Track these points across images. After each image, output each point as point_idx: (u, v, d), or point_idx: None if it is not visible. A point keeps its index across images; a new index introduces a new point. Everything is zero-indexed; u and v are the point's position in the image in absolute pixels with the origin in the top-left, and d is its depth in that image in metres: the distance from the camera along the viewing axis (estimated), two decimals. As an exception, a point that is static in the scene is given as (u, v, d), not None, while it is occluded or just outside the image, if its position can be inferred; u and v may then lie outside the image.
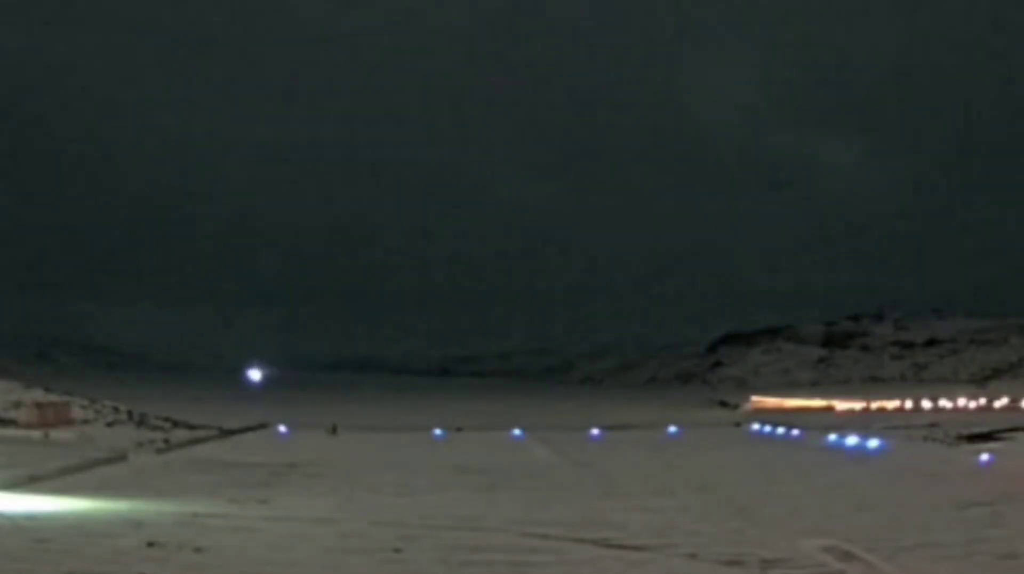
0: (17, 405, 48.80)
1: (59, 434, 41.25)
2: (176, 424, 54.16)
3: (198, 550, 15.90)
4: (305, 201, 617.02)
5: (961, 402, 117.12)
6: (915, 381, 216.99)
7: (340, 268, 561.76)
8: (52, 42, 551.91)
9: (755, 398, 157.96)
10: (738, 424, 73.16)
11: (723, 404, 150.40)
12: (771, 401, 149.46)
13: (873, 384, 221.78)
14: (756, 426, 67.54)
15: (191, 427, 53.97)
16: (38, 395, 55.21)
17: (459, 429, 59.48)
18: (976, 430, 51.73)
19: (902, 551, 16.36)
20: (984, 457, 35.22)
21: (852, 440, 47.15)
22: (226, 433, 51.89)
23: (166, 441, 42.72)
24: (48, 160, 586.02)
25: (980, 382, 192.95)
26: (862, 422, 72.35)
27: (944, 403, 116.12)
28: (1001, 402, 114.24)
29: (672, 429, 61.07)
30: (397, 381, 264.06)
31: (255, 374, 77.93)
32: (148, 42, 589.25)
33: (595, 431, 58.31)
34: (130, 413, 56.45)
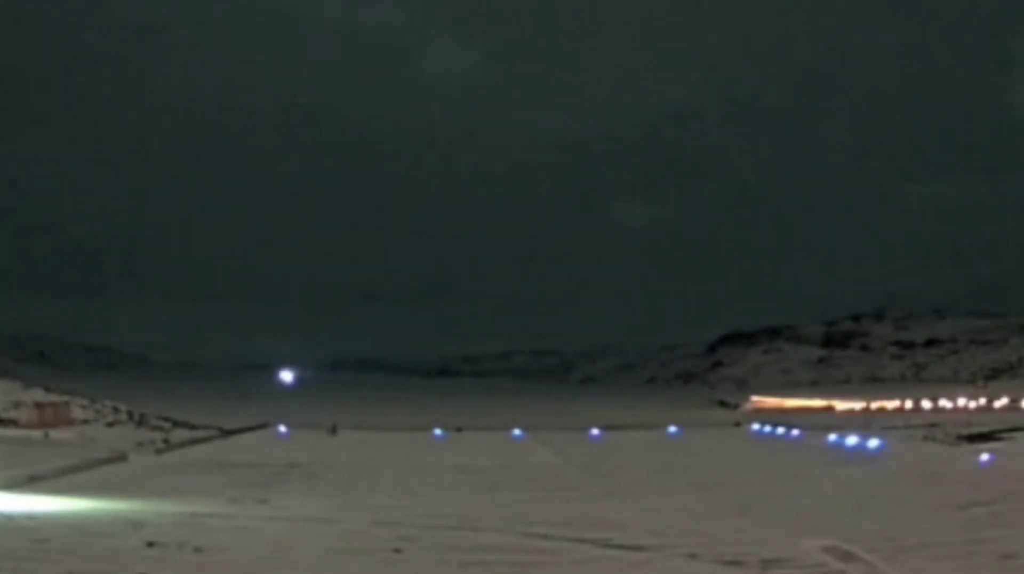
0: (17, 405, 48.81)
1: (59, 434, 41.26)
2: (176, 424, 54.18)
3: (198, 550, 15.90)
4: (304, 201, 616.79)
5: (961, 402, 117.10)
6: (915, 381, 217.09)
7: (339, 268, 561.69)
8: (51, 40, 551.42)
9: (755, 398, 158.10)
10: (738, 424, 73.20)
11: (723, 404, 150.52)
12: (771, 401, 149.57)
13: (873, 384, 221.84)
14: (756, 426, 67.55)
15: (191, 427, 54.00)
16: (38, 395, 55.25)
17: (459, 429, 59.47)
18: (976, 430, 51.74)
19: (902, 551, 16.35)
20: (984, 457, 35.19)
21: (852, 440, 47.14)
22: (226, 433, 51.92)
23: (166, 441, 42.73)
24: (47, 159, 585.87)
25: (980, 382, 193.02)
26: (862, 422, 72.34)
27: (944, 403, 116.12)
28: (1001, 402, 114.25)
29: (672, 429, 61.08)
30: (397, 381, 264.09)
31: (287, 375, 76.82)
32: (146, 40, 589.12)
33: (595, 431, 58.31)
34: (130, 413, 56.47)
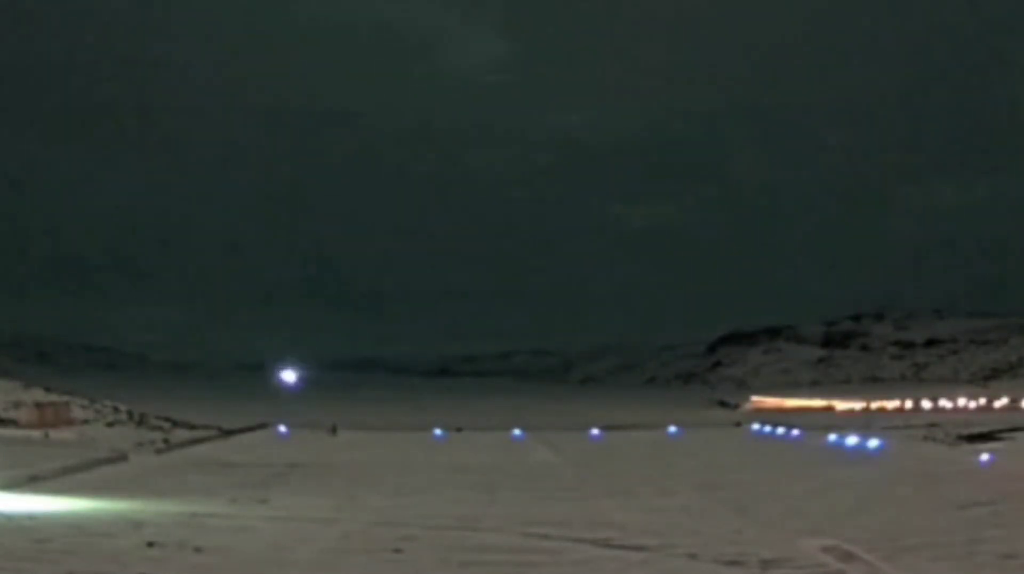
0: (17, 405, 48.77)
1: (59, 434, 41.23)
2: (176, 424, 54.14)
3: (198, 550, 15.89)
4: (304, 201, 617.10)
5: (961, 402, 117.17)
6: (915, 381, 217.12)
7: (339, 268, 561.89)
8: (50, 41, 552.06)
9: (755, 398, 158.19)
10: (738, 424, 73.16)
11: (723, 404, 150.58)
12: (771, 401, 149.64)
13: (873, 384, 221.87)
14: (756, 426, 67.51)
15: (191, 427, 53.97)
16: (38, 395, 55.20)
17: (459, 429, 59.47)
18: (976, 430, 51.77)
19: (902, 551, 16.34)
20: (984, 457, 35.18)
21: (852, 440, 47.12)
22: (226, 433, 51.87)
23: (166, 441, 42.70)
24: (47, 159, 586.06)
25: (980, 382, 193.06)
26: (862, 422, 72.34)
27: (944, 403, 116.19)
28: (1001, 402, 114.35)
29: (672, 429, 61.05)
30: (397, 381, 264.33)
31: (289, 375, 75.98)
32: (148, 42, 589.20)
33: (595, 431, 58.30)
34: (130, 413, 56.43)
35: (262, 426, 59.26)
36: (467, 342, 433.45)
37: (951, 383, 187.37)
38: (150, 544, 16.31)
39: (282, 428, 57.65)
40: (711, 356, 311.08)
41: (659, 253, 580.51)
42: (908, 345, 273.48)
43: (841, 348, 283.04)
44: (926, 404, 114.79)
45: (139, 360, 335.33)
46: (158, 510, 20.93)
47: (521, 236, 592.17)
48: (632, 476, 31.03)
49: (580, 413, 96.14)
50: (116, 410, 56.80)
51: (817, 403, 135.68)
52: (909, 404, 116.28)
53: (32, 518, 19.04)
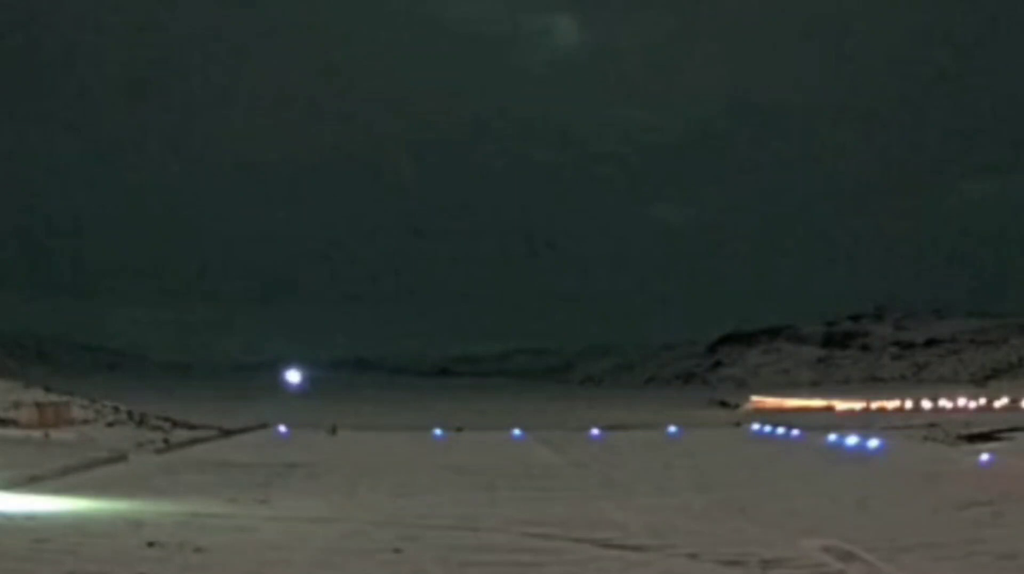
0: (17, 405, 48.75)
1: (59, 434, 41.24)
2: (176, 424, 54.15)
3: (198, 550, 15.90)
4: (304, 201, 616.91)
5: (961, 402, 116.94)
6: (915, 381, 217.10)
7: (339, 268, 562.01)
8: (50, 41, 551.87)
9: (755, 398, 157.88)
10: (738, 424, 73.05)
11: (723, 404, 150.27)
12: (771, 401, 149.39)
13: (873, 384, 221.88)
14: (756, 426, 67.43)
15: (191, 427, 53.98)
16: (38, 395, 55.19)
17: (459, 429, 59.41)
18: (976, 430, 51.75)
19: (902, 551, 16.35)
20: (984, 457, 35.16)
21: (852, 440, 47.08)
22: (226, 433, 51.87)
23: (166, 441, 42.71)
24: (47, 159, 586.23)
25: (980, 382, 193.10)
26: (862, 422, 72.28)
27: (944, 403, 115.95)
28: (1001, 402, 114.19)
29: (672, 429, 60.96)
30: (397, 381, 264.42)
31: (293, 375, 75.51)
32: (147, 42, 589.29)
33: (595, 431, 58.23)
34: (130, 413, 56.43)
35: (262, 426, 59.23)
36: (467, 342, 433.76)
37: (951, 383, 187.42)
38: (150, 544, 16.32)
39: (282, 428, 57.62)
40: (711, 356, 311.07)
41: (659, 253, 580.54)
42: (908, 345, 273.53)
43: (841, 348, 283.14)
44: (926, 404, 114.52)
45: (139, 360, 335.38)
46: (158, 510, 20.94)
47: (521, 236, 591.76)
48: (632, 476, 31.03)
49: (580, 413, 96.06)
50: (116, 410, 56.79)
51: (817, 403, 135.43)
52: (909, 404, 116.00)
53: (32, 518, 19.05)
